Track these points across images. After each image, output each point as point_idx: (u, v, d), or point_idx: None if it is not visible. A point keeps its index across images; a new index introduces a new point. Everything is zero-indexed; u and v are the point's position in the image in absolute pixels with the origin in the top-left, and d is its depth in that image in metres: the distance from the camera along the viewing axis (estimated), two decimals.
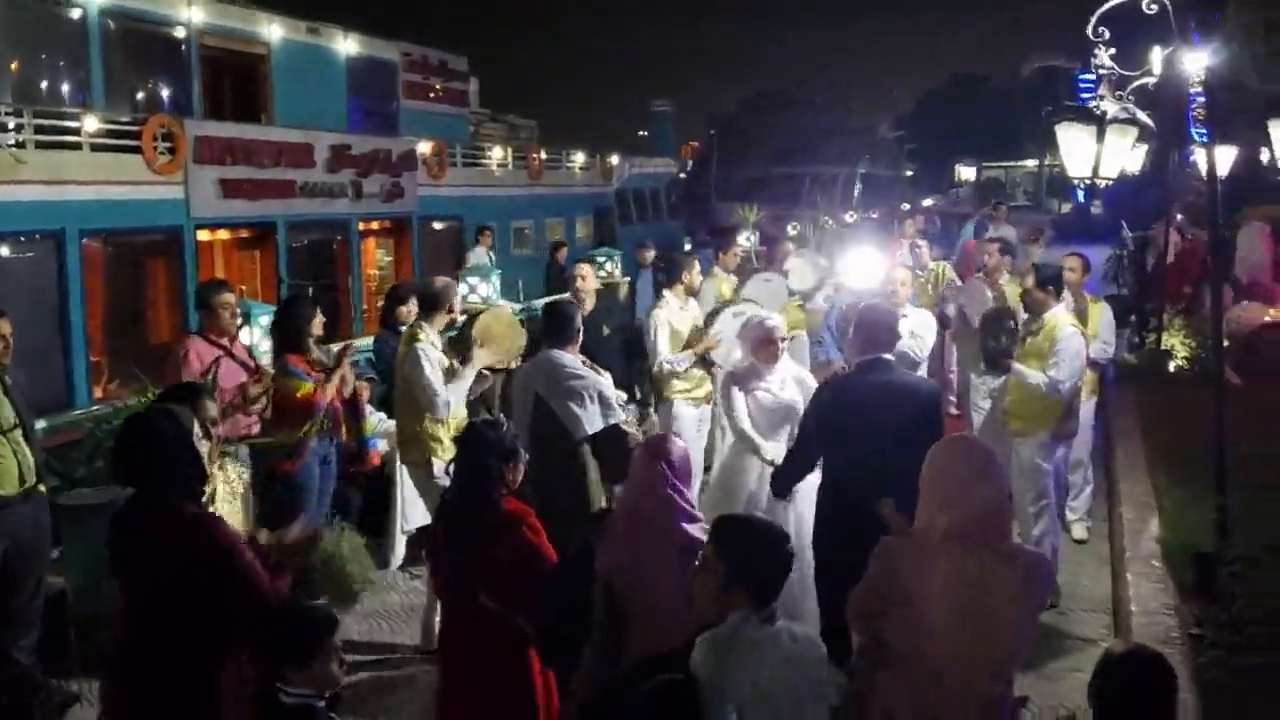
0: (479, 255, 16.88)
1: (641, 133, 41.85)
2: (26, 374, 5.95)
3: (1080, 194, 26.28)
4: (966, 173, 50.95)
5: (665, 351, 7.28)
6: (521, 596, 3.82)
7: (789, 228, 23.70)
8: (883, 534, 3.46)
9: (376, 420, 7.77)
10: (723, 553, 3.16)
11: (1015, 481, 6.36)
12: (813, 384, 5.77)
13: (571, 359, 5.38)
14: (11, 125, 11.39)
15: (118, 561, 3.52)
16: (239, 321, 8.16)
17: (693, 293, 7.78)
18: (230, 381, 6.13)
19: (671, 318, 7.43)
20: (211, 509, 4.08)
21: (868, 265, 7.93)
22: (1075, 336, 6.21)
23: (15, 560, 5.31)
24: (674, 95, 40.67)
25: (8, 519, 5.31)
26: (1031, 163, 49.30)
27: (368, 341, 9.62)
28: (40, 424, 6.68)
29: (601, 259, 17.32)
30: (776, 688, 3.00)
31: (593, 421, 5.22)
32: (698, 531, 3.81)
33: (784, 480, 5.16)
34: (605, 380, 5.48)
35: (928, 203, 34.58)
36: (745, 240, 14.86)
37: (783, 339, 6.02)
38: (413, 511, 6.90)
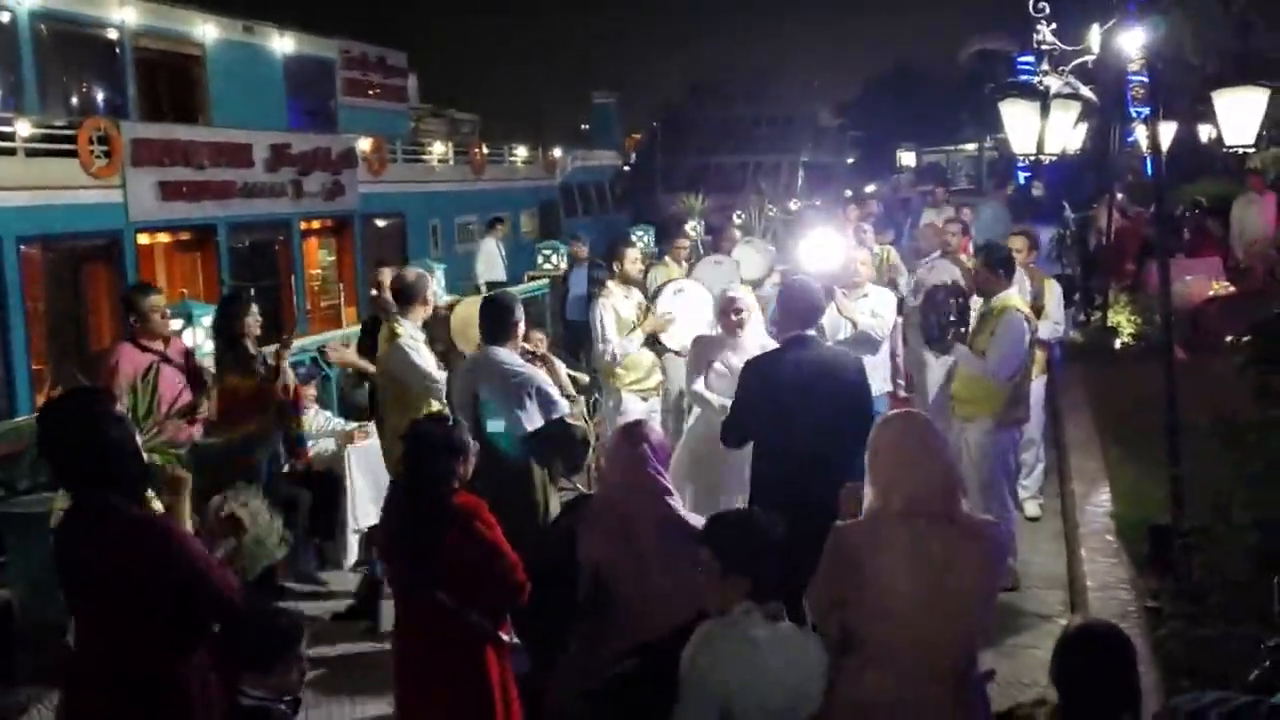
0: (489, 247, 16.64)
1: (584, 125, 41.70)
2: None
3: (1021, 177, 26.61)
4: (908, 158, 51.42)
5: (615, 338, 7.20)
6: (477, 592, 3.76)
7: (734, 216, 23.74)
8: (822, 514, 3.40)
9: (324, 419, 7.66)
10: (714, 544, 3.14)
11: (965, 466, 6.36)
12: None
13: (508, 355, 5.27)
14: None
15: (65, 571, 3.40)
16: (178, 324, 8.02)
17: (632, 280, 7.65)
18: (170, 387, 5.94)
19: (616, 305, 7.35)
20: (154, 508, 3.94)
21: (825, 248, 7.94)
22: (1016, 321, 6.05)
23: None
24: (617, 87, 40.49)
25: None
26: (971, 146, 49.85)
27: (308, 341, 9.50)
28: None
29: (547, 251, 17.32)
30: (773, 690, 2.96)
31: (532, 419, 5.15)
32: (680, 509, 3.87)
33: (730, 431, 5.07)
34: (543, 376, 5.39)
35: (870, 189, 34.82)
36: (692, 230, 14.84)
37: (742, 310, 6.03)
38: (363, 511, 6.82)
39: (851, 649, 3.14)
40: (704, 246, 14.83)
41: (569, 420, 5.40)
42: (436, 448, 3.85)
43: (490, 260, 16.24)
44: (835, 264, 7.60)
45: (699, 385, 5.97)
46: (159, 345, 6.16)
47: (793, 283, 5.43)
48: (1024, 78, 8.15)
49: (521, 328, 5.46)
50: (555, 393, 5.31)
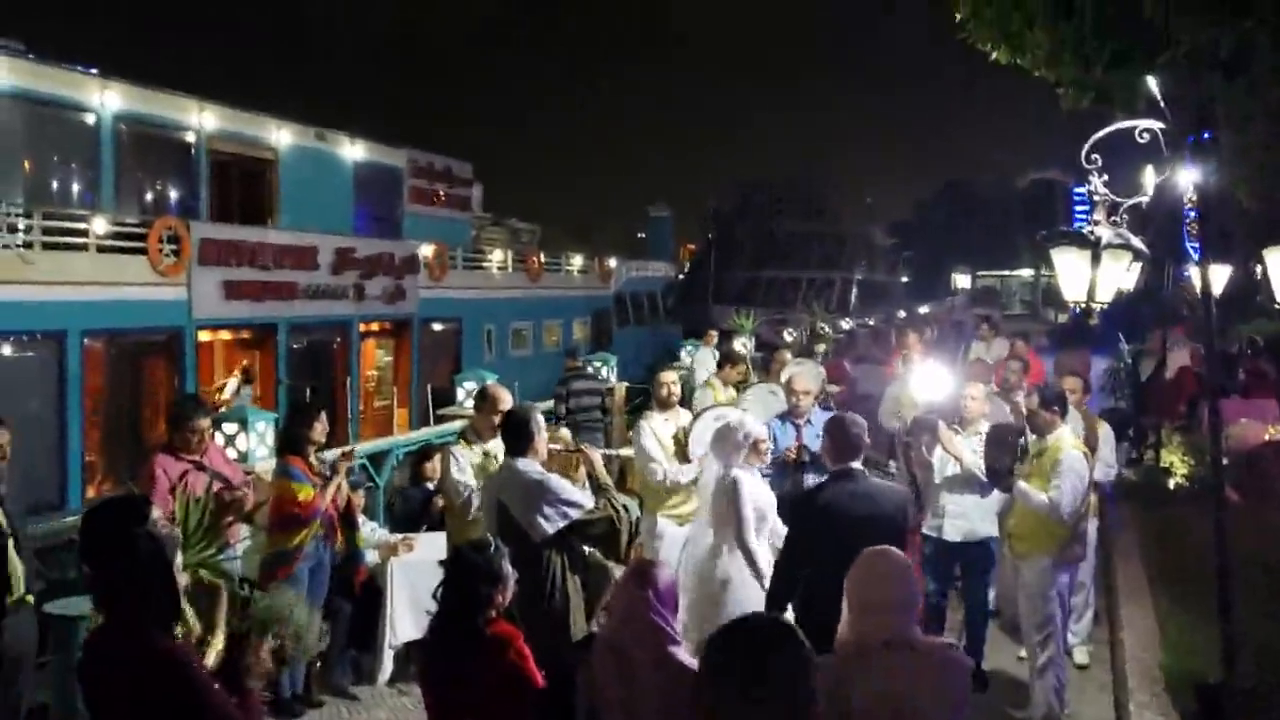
0: (703, 357, 15.26)
1: (640, 235, 42.41)
2: (21, 475, 5.92)
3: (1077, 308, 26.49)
4: (962, 280, 51.48)
5: (664, 461, 7.16)
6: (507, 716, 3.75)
7: (785, 333, 23.85)
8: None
9: (368, 530, 7.69)
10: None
11: (1020, 604, 6.30)
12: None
13: (527, 464, 5.35)
14: (21, 226, 11.55)
15: (87, 690, 3.41)
16: (232, 429, 8.17)
17: (668, 406, 7.63)
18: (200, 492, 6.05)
19: (655, 428, 7.33)
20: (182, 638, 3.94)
21: (936, 379, 7.93)
22: (1078, 459, 6.13)
23: (23, 661, 5.26)
24: (674, 200, 41.30)
25: (22, 622, 5.28)
26: (1027, 272, 49.80)
27: (366, 447, 9.59)
28: (33, 527, 6.63)
29: (598, 363, 17.47)
30: None
31: (553, 523, 5.19)
32: (684, 655, 3.77)
33: (777, 595, 5.11)
34: (559, 480, 5.43)
35: (924, 309, 34.81)
36: (742, 347, 14.87)
37: (766, 443, 6.07)
38: (402, 625, 6.78)
39: None
40: (755, 364, 14.82)
41: (592, 510, 5.40)
42: (475, 575, 3.87)
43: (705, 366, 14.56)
44: (943, 396, 7.54)
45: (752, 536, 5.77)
46: (193, 455, 6.29)
47: (840, 417, 5.50)
48: (1078, 215, 8.20)
49: (541, 436, 5.52)
50: (576, 494, 5.33)
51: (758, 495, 5.88)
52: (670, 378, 7.67)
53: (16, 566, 5.40)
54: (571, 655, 4.17)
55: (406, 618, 6.69)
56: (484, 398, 6.49)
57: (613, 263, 28.58)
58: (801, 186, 52.60)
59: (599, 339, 24.96)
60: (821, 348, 18.23)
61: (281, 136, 16.70)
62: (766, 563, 5.64)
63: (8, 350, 11.50)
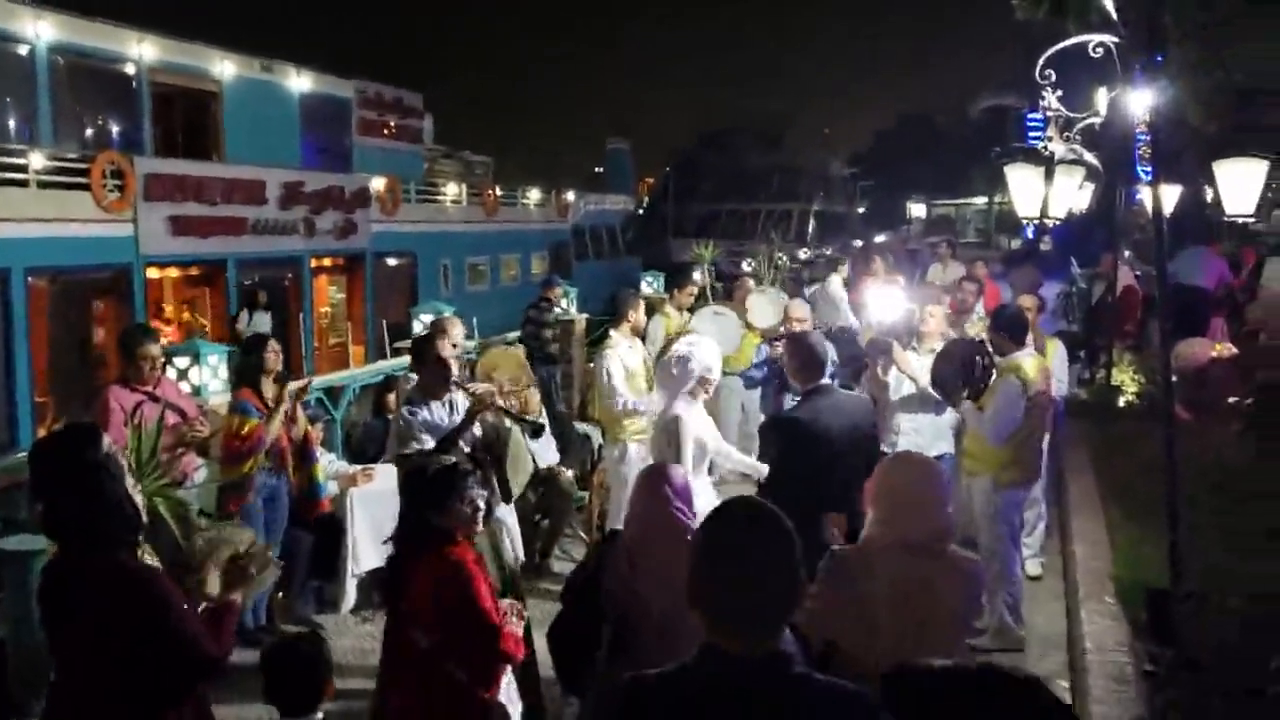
0: (835, 287, 12.56)
1: (598, 169, 42.04)
2: None
3: (1030, 231, 26.77)
4: (917, 210, 51.68)
5: (626, 393, 7.19)
6: (454, 643, 3.80)
7: (744, 264, 23.83)
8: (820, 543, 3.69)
9: (327, 461, 7.65)
10: None
11: (981, 520, 6.38)
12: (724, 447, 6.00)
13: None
14: None
15: (49, 617, 3.39)
16: (184, 362, 8.05)
17: (639, 333, 7.71)
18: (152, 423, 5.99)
19: (623, 357, 7.36)
20: (145, 558, 3.93)
21: (891, 300, 7.96)
22: (1009, 386, 6.12)
23: None
24: (631, 132, 40.91)
25: None
26: (981, 200, 50.10)
27: (322, 380, 9.49)
28: None
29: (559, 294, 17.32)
30: None
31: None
32: None
33: (779, 487, 5.19)
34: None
35: (880, 239, 34.94)
36: (700, 277, 14.86)
37: (715, 376, 6.01)
38: (364, 554, 6.79)
39: (833, 662, 3.25)
40: (715, 293, 14.82)
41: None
42: (420, 487, 3.93)
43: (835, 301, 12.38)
44: (897, 315, 7.57)
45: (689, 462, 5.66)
46: (148, 386, 6.22)
47: (802, 334, 5.59)
48: (1032, 139, 8.22)
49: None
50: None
51: (700, 428, 5.86)
52: (640, 306, 7.72)
53: None
54: (584, 571, 4.22)
55: (368, 547, 6.70)
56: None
57: (570, 196, 28.33)
58: (759, 119, 52.27)
59: (557, 272, 24.83)
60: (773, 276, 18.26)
61: (225, 68, 16.26)
62: (706, 501, 5.62)
63: None
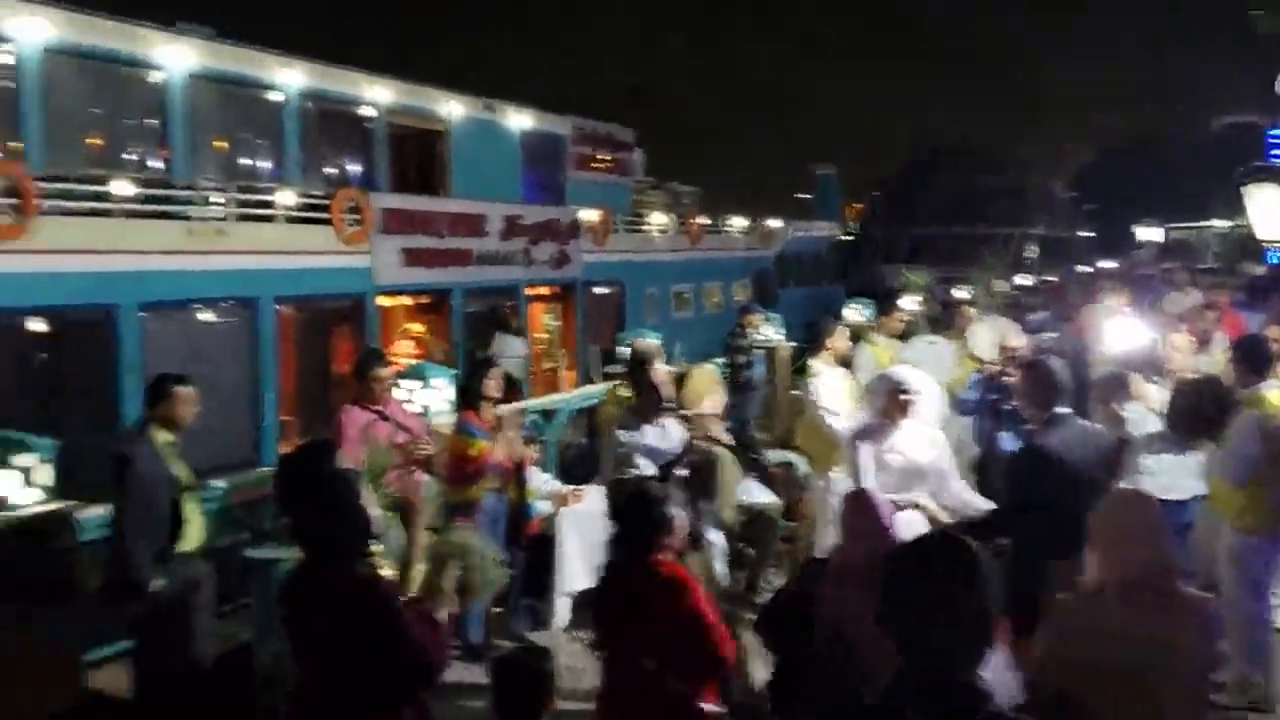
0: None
1: (803, 195, 41.79)
2: (222, 432, 6.33)
3: (1273, 256, 24.77)
4: (1148, 234, 48.65)
5: (832, 418, 7.11)
6: (679, 659, 3.82)
7: (959, 291, 23.12)
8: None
9: (541, 482, 7.92)
10: None
11: (1222, 567, 5.94)
12: (944, 440, 5.73)
13: None
14: (218, 199, 12.30)
15: (289, 622, 3.64)
16: (414, 384, 8.54)
17: (843, 360, 7.59)
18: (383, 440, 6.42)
19: (827, 384, 7.27)
20: (381, 571, 4.16)
21: (1129, 331, 7.64)
22: (1247, 422, 5.70)
23: (193, 610, 5.67)
24: (838, 158, 40.46)
25: (190, 573, 5.70)
26: (1222, 223, 46.67)
27: (537, 403, 9.87)
28: (225, 482, 7.13)
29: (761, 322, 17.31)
30: None
31: None
32: None
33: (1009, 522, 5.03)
34: None
35: (1106, 264, 33.11)
36: (912, 304, 14.53)
37: (911, 393, 5.84)
38: (573, 573, 6.97)
39: (1065, 712, 3.13)
40: (933, 322, 14.40)
41: None
42: (638, 518, 3.96)
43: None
44: (1137, 345, 7.23)
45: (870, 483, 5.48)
46: (378, 407, 6.66)
47: (1037, 361, 5.39)
48: (1273, 157, 7.66)
49: None
50: None
51: (914, 452, 5.70)
52: (843, 332, 7.64)
53: (193, 519, 5.79)
54: (792, 592, 4.24)
55: (577, 566, 6.88)
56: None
57: (775, 223, 28.30)
58: (975, 140, 50.67)
59: (761, 300, 24.79)
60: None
61: (453, 108, 17.21)
62: (911, 526, 5.44)
63: (209, 316, 12.30)
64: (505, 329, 15.97)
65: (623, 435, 5.92)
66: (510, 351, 15.90)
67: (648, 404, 6.03)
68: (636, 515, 3.97)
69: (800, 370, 12.40)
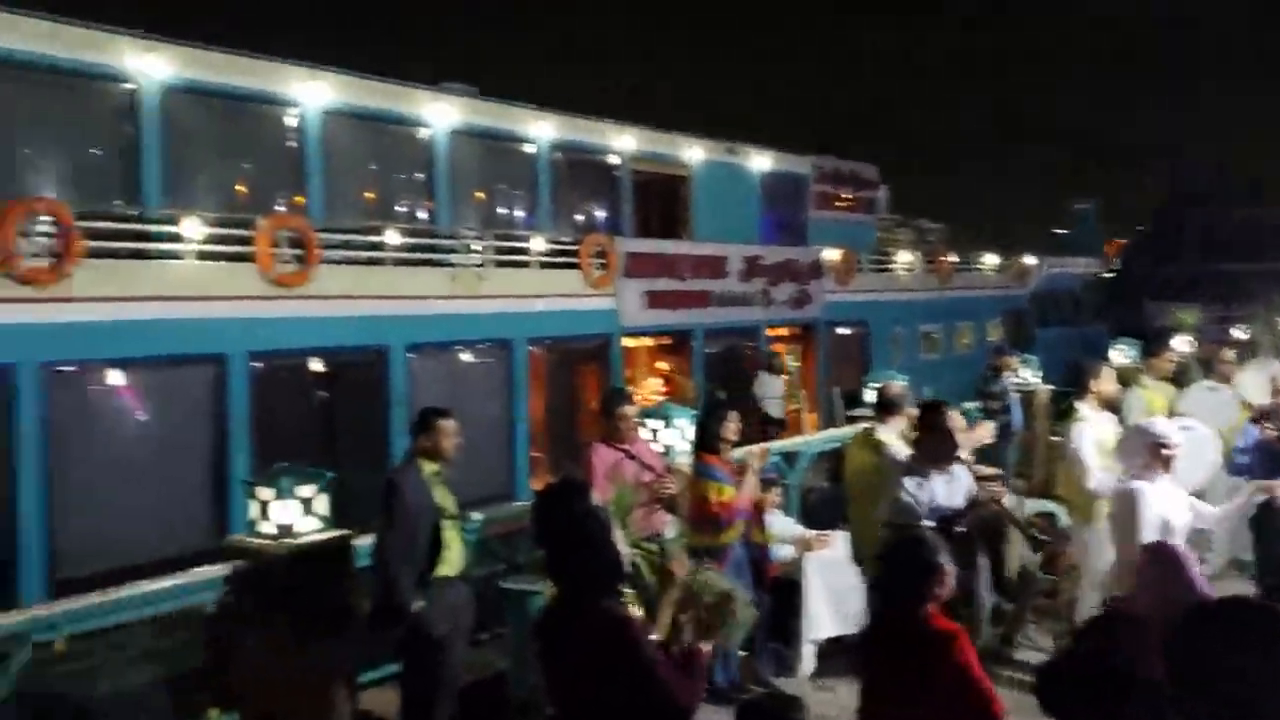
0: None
1: (1060, 231, 39.80)
2: (478, 468, 6.61)
3: None
4: None
5: (1098, 470, 6.65)
6: (939, 714, 3.64)
7: (1235, 331, 21.34)
8: None
9: (784, 525, 7.80)
10: None
11: None
12: (1204, 509, 5.37)
13: None
14: (477, 247, 13.01)
15: (543, 655, 3.72)
16: (658, 424, 8.64)
17: (1109, 404, 7.08)
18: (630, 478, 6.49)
19: (1094, 431, 6.80)
20: (631, 609, 4.20)
21: None
22: None
23: (453, 634, 5.91)
24: (1097, 191, 38.34)
25: (450, 597, 5.95)
26: None
27: (779, 445, 9.77)
28: (483, 515, 7.43)
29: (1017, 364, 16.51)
30: None
31: None
32: None
33: None
34: None
35: None
36: (1181, 345, 13.49)
37: (1173, 447, 5.37)
38: (819, 620, 6.82)
39: None
40: (1199, 365, 13.36)
41: None
42: (907, 566, 3.80)
43: None
44: None
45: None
46: (625, 445, 6.75)
47: None
48: None
49: None
50: None
51: (1167, 507, 5.26)
52: (1110, 374, 7.16)
53: (454, 545, 6.04)
54: (1086, 646, 4.03)
55: (823, 613, 6.73)
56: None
57: (1030, 260, 27.08)
58: (1251, 169, 46.78)
59: (1016, 341, 23.70)
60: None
61: (694, 153, 17.52)
62: None
63: (468, 356, 12.98)
64: (767, 368, 16.10)
65: (908, 482, 5.72)
66: (771, 391, 16.04)
67: (939, 450, 5.78)
68: (906, 563, 3.80)
69: (1059, 415, 11.75)
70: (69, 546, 8.98)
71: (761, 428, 15.84)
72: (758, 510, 6.87)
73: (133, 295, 9.56)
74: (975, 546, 5.56)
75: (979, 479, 5.72)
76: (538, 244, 13.86)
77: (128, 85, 10.67)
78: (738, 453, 6.97)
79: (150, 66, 10.69)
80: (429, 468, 6.11)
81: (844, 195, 21.25)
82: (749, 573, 6.68)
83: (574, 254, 14.20)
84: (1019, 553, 6.35)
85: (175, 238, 10.12)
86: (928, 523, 5.39)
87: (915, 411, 7.13)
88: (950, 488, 5.71)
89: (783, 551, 7.46)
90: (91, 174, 10.74)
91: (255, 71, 11.76)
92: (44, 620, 5.32)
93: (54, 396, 9.08)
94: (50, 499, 8.94)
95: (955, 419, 5.98)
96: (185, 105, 11.12)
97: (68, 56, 10.17)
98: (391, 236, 12.10)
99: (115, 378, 9.85)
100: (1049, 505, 8.55)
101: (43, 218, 8.99)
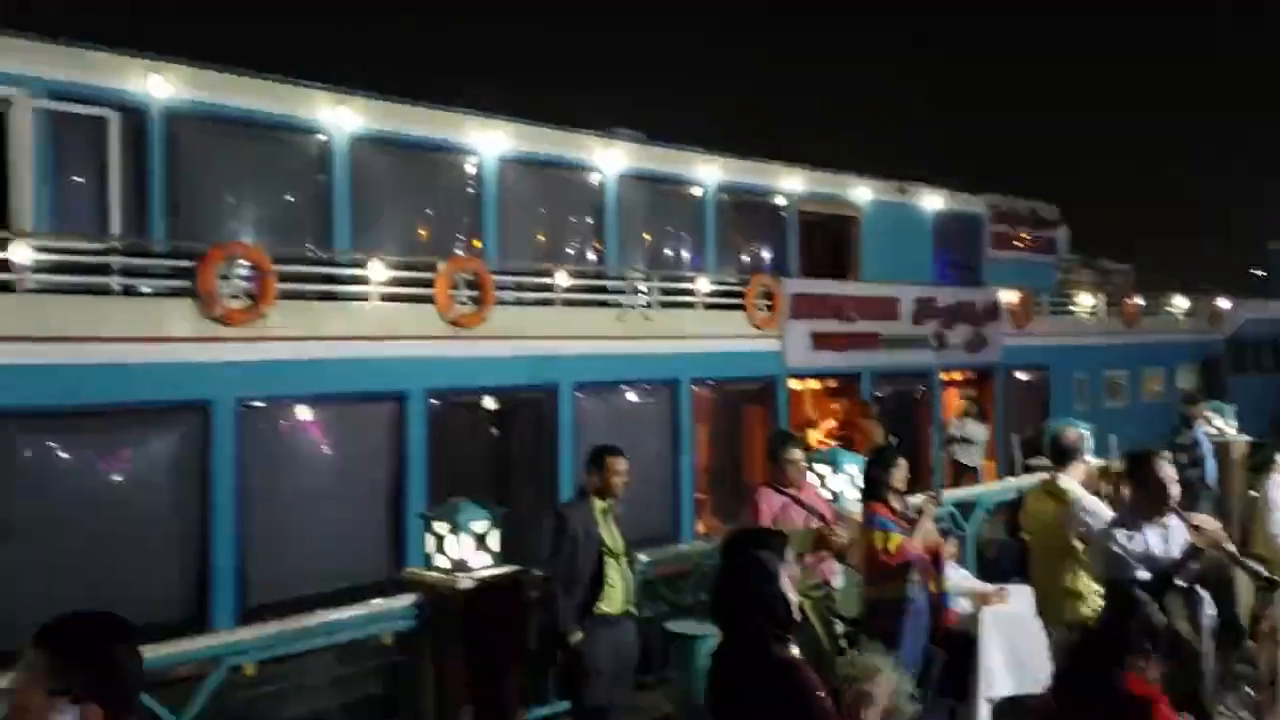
0: None
1: (1258, 272, 37.39)
2: (641, 507, 6.64)
3: None
4: None
5: None
6: None
7: None
8: None
9: (960, 577, 7.53)
10: None
11: None
12: None
13: None
14: (643, 288, 13.16)
15: (714, 701, 3.68)
16: (825, 469, 8.49)
17: None
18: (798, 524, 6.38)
19: None
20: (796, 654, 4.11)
21: None
22: None
23: (615, 671, 5.93)
24: None
25: (612, 634, 5.97)
26: None
27: (953, 495, 9.45)
28: (647, 555, 7.43)
29: (1209, 412, 15.56)
30: None
31: None
32: None
33: None
34: None
35: None
36: None
37: None
38: (998, 678, 6.52)
39: None
40: None
41: None
42: (1117, 625, 3.61)
43: None
44: None
45: None
46: (792, 490, 6.67)
47: None
48: None
49: None
50: None
51: None
52: None
53: (620, 581, 6.06)
54: None
55: (1002, 670, 6.43)
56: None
57: (1224, 303, 25.53)
58: None
59: (1209, 389, 22.32)
60: None
61: (863, 193, 17.30)
62: None
63: (633, 396, 13.10)
64: (967, 412, 15.77)
65: (1119, 534, 5.45)
66: (976, 436, 15.67)
67: (1151, 501, 5.50)
68: (1117, 622, 3.60)
69: (1255, 468, 10.97)
70: (258, 574, 9.43)
71: (954, 476, 15.50)
72: (934, 558, 6.65)
73: (321, 335, 10.04)
74: (1198, 598, 5.22)
75: (1193, 527, 5.37)
76: (703, 285, 13.92)
77: (320, 136, 11.30)
78: (914, 499, 6.78)
79: (341, 118, 11.31)
80: (599, 504, 6.21)
81: (1022, 235, 20.57)
82: (925, 624, 6.46)
83: (739, 295, 14.18)
84: (1247, 601, 5.94)
85: (361, 280, 10.61)
86: (1142, 575, 5.09)
87: (1099, 460, 6.78)
88: (1165, 538, 5.39)
89: (959, 606, 7.19)
90: (286, 220, 11.39)
91: (436, 122, 12.29)
92: (237, 644, 5.59)
93: (247, 431, 9.59)
94: (242, 528, 9.43)
95: (1166, 468, 5.66)
96: (372, 154, 11.70)
97: (266, 110, 10.86)
98: (561, 277, 12.37)
99: (302, 413, 10.35)
100: (1249, 563, 7.97)
101: (241, 261, 9.56)
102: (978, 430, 15.74)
